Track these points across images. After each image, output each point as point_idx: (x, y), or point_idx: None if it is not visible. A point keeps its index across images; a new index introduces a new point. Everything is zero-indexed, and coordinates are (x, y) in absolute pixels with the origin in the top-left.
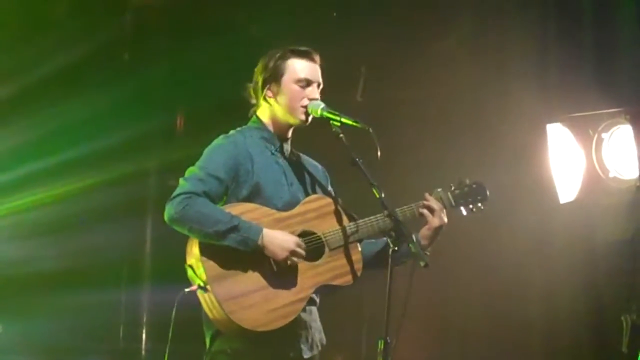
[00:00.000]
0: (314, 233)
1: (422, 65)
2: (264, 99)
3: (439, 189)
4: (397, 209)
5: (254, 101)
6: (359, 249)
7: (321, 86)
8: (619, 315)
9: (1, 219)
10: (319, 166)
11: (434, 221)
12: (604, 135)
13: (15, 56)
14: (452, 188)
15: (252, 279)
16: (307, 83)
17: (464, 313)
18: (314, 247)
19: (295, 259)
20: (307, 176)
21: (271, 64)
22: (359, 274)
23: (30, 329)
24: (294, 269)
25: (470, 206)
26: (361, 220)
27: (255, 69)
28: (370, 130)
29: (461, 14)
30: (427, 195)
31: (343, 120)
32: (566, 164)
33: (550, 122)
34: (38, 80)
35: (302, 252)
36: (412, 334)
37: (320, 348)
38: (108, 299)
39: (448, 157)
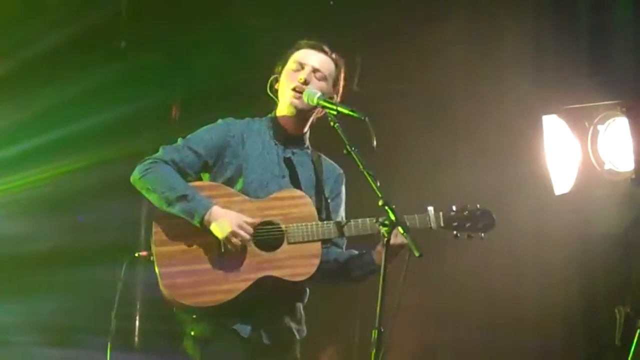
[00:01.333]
0: (278, 224)
1: (417, 56)
2: (273, 93)
3: (431, 207)
4: (359, 219)
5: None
6: (319, 249)
7: (319, 73)
8: (612, 307)
9: None
10: (337, 170)
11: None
12: (599, 127)
13: (10, 38)
14: (451, 209)
15: (195, 254)
16: (300, 66)
17: (457, 305)
18: (272, 238)
19: (235, 240)
20: (310, 175)
21: (279, 62)
22: (311, 272)
23: (25, 307)
24: (240, 254)
25: (468, 232)
26: (332, 222)
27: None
28: (366, 119)
29: (457, 4)
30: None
31: (339, 109)
32: (562, 156)
33: (546, 113)
34: (32, 62)
35: (245, 235)
36: (406, 323)
37: (298, 338)
38: (102, 278)
39: (443, 147)
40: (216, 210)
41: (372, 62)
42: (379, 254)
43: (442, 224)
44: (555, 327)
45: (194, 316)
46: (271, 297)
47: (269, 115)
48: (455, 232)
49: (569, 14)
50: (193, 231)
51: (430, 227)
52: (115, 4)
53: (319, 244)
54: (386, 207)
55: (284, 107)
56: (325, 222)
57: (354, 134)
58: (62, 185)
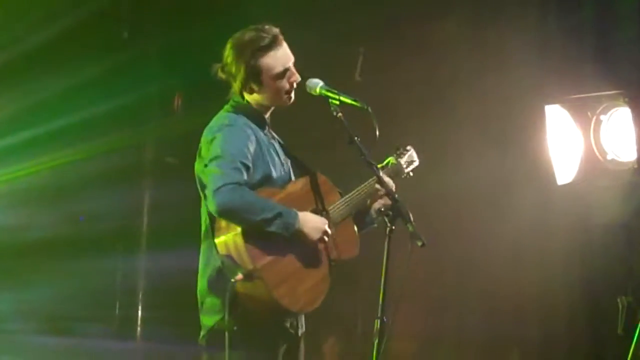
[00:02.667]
0: (320, 210)
1: (420, 46)
2: (246, 92)
3: (392, 157)
4: (356, 188)
5: (221, 77)
6: (352, 221)
7: (293, 59)
8: (614, 297)
9: None
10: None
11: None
12: (602, 117)
13: (13, 27)
14: (398, 154)
15: (290, 262)
16: (285, 71)
17: (459, 295)
18: None
19: (326, 238)
20: (289, 154)
21: (243, 65)
22: (358, 244)
23: (26, 296)
24: (314, 249)
25: (408, 169)
26: (349, 194)
27: (226, 55)
28: (369, 109)
29: None
30: (391, 160)
31: (342, 98)
32: (564, 146)
33: (549, 103)
34: (34, 52)
35: (330, 231)
36: (408, 312)
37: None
38: (104, 267)
39: (447, 137)
40: (302, 216)
41: (375, 53)
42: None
43: (404, 168)
44: (557, 317)
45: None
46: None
47: (235, 100)
48: (409, 172)
49: (573, 4)
50: (276, 241)
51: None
52: None
53: (351, 218)
54: (390, 197)
55: (270, 102)
56: (348, 195)
57: (355, 123)
58: (64, 175)
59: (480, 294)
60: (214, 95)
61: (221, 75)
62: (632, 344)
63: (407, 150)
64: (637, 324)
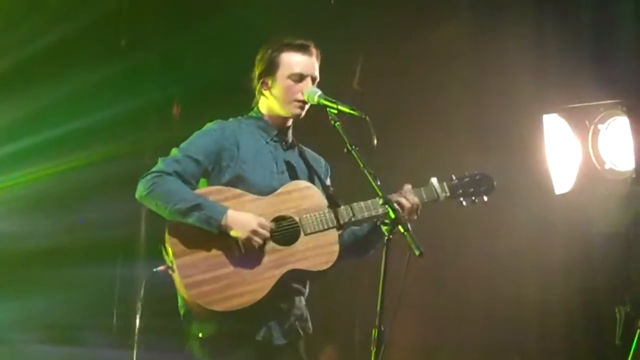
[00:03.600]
0: (291, 218)
1: (418, 55)
2: (259, 91)
3: (434, 179)
4: (368, 201)
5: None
6: (336, 235)
7: (317, 80)
8: (612, 307)
9: None
10: (322, 160)
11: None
12: (600, 126)
13: (11, 35)
14: (453, 178)
15: (218, 260)
16: (301, 78)
17: (458, 303)
18: (289, 232)
19: (257, 239)
20: (304, 167)
21: (266, 57)
22: (333, 259)
23: (24, 305)
24: (261, 252)
25: (473, 197)
26: (342, 207)
27: (255, 60)
28: (367, 118)
29: (459, 3)
30: (404, 188)
31: (340, 107)
32: (562, 155)
33: (547, 112)
34: (32, 60)
35: (265, 232)
36: (407, 322)
37: (303, 336)
38: (103, 276)
39: (444, 146)
40: (232, 213)
41: (373, 61)
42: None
43: (448, 194)
44: (555, 327)
45: (205, 318)
46: (288, 296)
47: (253, 113)
48: (461, 199)
49: (571, 12)
50: (209, 236)
51: (437, 198)
52: (115, 2)
53: (335, 230)
54: (387, 206)
55: (281, 111)
56: (336, 208)
57: (353, 132)
58: (63, 183)
59: (479, 303)
60: (212, 102)
61: (253, 83)
62: (630, 354)
63: (473, 178)
64: (635, 334)
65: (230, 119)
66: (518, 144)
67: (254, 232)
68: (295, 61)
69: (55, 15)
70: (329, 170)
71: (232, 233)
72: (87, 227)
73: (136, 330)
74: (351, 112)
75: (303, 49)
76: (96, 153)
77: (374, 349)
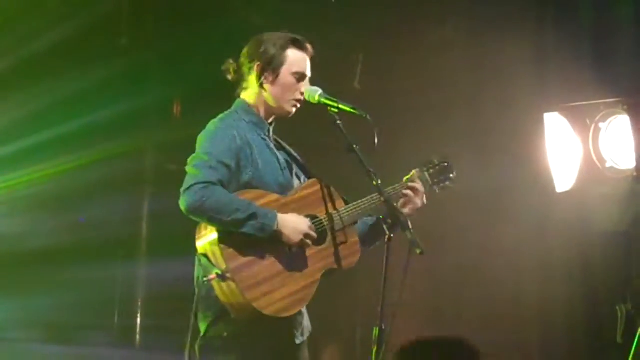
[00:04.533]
0: (317, 217)
1: (419, 53)
2: (261, 85)
3: (417, 169)
4: (364, 199)
5: (231, 78)
6: (356, 232)
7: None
8: (613, 305)
9: None
10: (294, 150)
11: (417, 202)
12: (601, 125)
13: (12, 36)
14: (427, 167)
15: (269, 265)
16: (302, 77)
17: (459, 302)
18: (318, 231)
19: (308, 241)
20: (292, 160)
21: (272, 52)
22: (359, 255)
23: (25, 304)
24: (304, 253)
25: (441, 184)
26: (354, 203)
27: (246, 49)
28: (368, 117)
29: (459, 2)
30: (414, 174)
31: (341, 106)
32: (563, 154)
33: (548, 111)
34: (33, 59)
35: (314, 234)
36: (407, 320)
37: (308, 334)
38: (104, 275)
39: (445, 144)
40: (281, 218)
41: (374, 60)
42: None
43: (430, 182)
44: (556, 325)
45: (230, 318)
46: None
47: (238, 103)
48: (435, 188)
49: (571, 11)
50: (259, 243)
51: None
52: (116, 1)
53: (355, 226)
54: (387, 205)
55: (276, 107)
56: (352, 204)
57: (353, 131)
58: (64, 183)
59: (480, 301)
60: (213, 101)
61: (232, 74)
62: (631, 352)
63: (440, 165)
64: (636, 332)
65: (224, 116)
66: (519, 143)
67: (306, 235)
68: (299, 59)
69: (56, 14)
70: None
71: (284, 237)
72: (88, 227)
73: (137, 330)
74: (352, 111)
75: (305, 47)
76: (97, 152)
77: (375, 348)
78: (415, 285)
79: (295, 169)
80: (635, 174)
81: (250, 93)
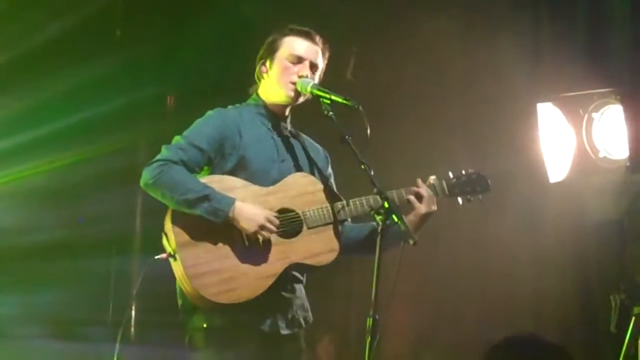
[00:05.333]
0: (294, 210)
1: (412, 44)
2: (259, 75)
3: (433, 177)
4: (387, 192)
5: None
6: (340, 230)
7: (319, 68)
8: (607, 295)
9: None
10: (320, 148)
11: (421, 208)
12: (594, 115)
13: (5, 30)
14: (450, 177)
15: (222, 252)
16: (299, 60)
17: (453, 292)
18: (291, 225)
19: (265, 233)
20: (303, 156)
21: (269, 41)
22: (335, 254)
23: (20, 300)
24: (266, 244)
25: (468, 196)
26: (346, 202)
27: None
28: (360, 108)
29: None
30: (418, 181)
31: (332, 97)
32: (556, 144)
33: (541, 101)
34: (28, 54)
35: (272, 227)
36: (402, 312)
37: (304, 326)
38: (98, 270)
39: (438, 136)
40: (239, 205)
41: (367, 52)
42: (410, 223)
43: (447, 192)
44: (550, 315)
45: (209, 309)
46: (290, 285)
47: (252, 100)
48: (458, 198)
49: (565, 2)
50: (214, 226)
51: (436, 196)
52: None
53: (338, 225)
54: (380, 196)
55: (277, 95)
56: (339, 202)
57: (345, 123)
58: (58, 179)
59: (473, 292)
60: (207, 95)
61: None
62: (625, 342)
63: (469, 177)
64: (630, 322)
65: (230, 107)
66: (512, 133)
67: (262, 227)
68: (295, 44)
69: (49, 7)
70: (329, 159)
71: (239, 225)
72: (83, 223)
73: (132, 324)
74: (344, 102)
75: (306, 35)
76: (91, 148)
77: (369, 338)
78: (409, 276)
79: (306, 165)
80: (628, 163)
81: (261, 88)
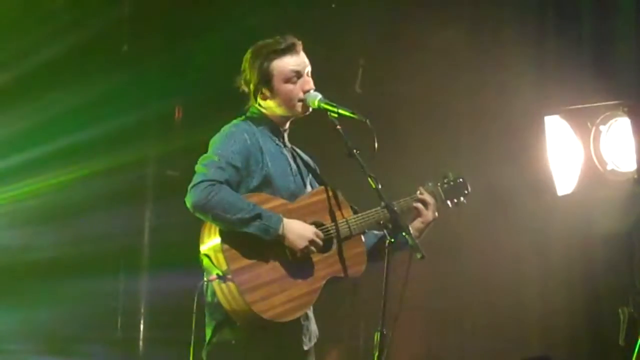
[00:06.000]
0: (323, 224)
1: (420, 57)
2: (259, 102)
3: (430, 183)
4: (393, 202)
5: (246, 90)
6: (363, 241)
7: (309, 68)
8: (616, 307)
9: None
10: (313, 159)
11: (428, 215)
12: (602, 127)
13: (13, 45)
14: (442, 182)
15: (271, 269)
16: (297, 76)
17: (461, 305)
18: (324, 238)
19: (313, 248)
20: (305, 167)
21: (256, 69)
22: (365, 265)
23: (28, 317)
24: (308, 259)
25: (455, 200)
26: (363, 213)
27: (244, 62)
28: (368, 122)
29: (459, 6)
30: (422, 189)
31: (340, 111)
32: (564, 156)
33: (548, 114)
34: (35, 70)
35: (320, 241)
36: (410, 326)
37: (315, 340)
38: (106, 288)
39: (446, 149)
40: (288, 222)
41: (375, 64)
42: (416, 229)
43: (443, 197)
44: (558, 328)
45: (236, 324)
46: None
47: (254, 114)
48: (448, 202)
49: (572, 14)
50: (261, 246)
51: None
52: (118, 9)
53: (362, 236)
54: (388, 210)
55: (285, 113)
56: (360, 214)
57: (353, 136)
58: (65, 194)
59: (481, 305)
60: (214, 107)
61: (242, 86)
62: (634, 355)
63: (456, 181)
64: (639, 335)
65: (238, 122)
66: (520, 146)
67: (312, 242)
68: (286, 64)
69: (56, 22)
70: (318, 168)
71: (288, 242)
72: (90, 238)
73: (140, 342)
74: (352, 115)
75: (290, 50)
76: (98, 162)
77: (376, 353)
78: (417, 291)
79: (309, 177)
80: (636, 176)
81: (261, 103)
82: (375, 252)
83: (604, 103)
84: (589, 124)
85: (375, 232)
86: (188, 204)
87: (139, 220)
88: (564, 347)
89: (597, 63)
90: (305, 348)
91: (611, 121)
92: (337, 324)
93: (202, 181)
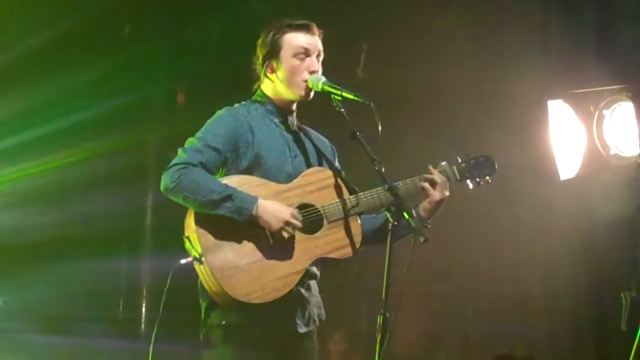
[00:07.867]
0: (313, 205)
1: (423, 41)
2: (265, 75)
3: (444, 163)
4: (399, 182)
5: (257, 69)
6: (359, 222)
7: (321, 56)
8: (618, 292)
9: (0, 187)
10: (327, 141)
11: (435, 195)
12: (605, 112)
13: (13, 26)
14: (459, 161)
15: (248, 250)
16: (306, 54)
17: (464, 290)
18: (312, 220)
19: (290, 229)
20: (312, 149)
21: (268, 40)
22: (357, 247)
23: (30, 297)
24: (290, 241)
25: (478, 179)
26: (362, 194)
27: (257, 44)
28: (372, 104)
29: None
30: (430, 168)
31: (344, 94)
32: (567, 141)
33: (552, 98)
34: (36, 51)
35: (298, 223)
36: (413, 310)
37: (318, 323)
38: (108, 268)
39: (449, 133)
40: (263, 203)
41: (378, 49)
42: (424, 209)
43: (457, 177)
44: (561, 312)
45: (229, 307)
46: (307, 282)
47: (258, 97)
48: (468, 182)
49: None
50: (238, 226)
51: (449, 181)
52: None
53: (357, 217)
54: (391, 194)
55: (288, 93)
56: (357, 195)
57: (356, 119)
58: (66, 175)
59: (484, 290)
60: (217, 91)
61: (254, 63)
62: (636, 340)
63: (477, 160)
64: None
65: (237, 105)
66: (523, 130)
67: (287, 223)
68: (298, 40)
69: (59, 4)
70: (335, 152)
71: (263, 223)
72: (92, 219)
73: (142, 322)
74: (355, 98)
75: (305, 28)
76: (101, 144)
77: (379, 336)
78: (420, 275)
79: (315, 159)
80: (639, 160)
81: (266, 84)
82: (377, 235)
83: (607, 87)
84: (592, 108)
85: (375, 215)
86: (161, 187)
87: (141, 202)
88: (566, 332)
89: (601, 47)
90: (301, 331)
91: (614, 105)
92: (340, 308)
93: (174, 164)
